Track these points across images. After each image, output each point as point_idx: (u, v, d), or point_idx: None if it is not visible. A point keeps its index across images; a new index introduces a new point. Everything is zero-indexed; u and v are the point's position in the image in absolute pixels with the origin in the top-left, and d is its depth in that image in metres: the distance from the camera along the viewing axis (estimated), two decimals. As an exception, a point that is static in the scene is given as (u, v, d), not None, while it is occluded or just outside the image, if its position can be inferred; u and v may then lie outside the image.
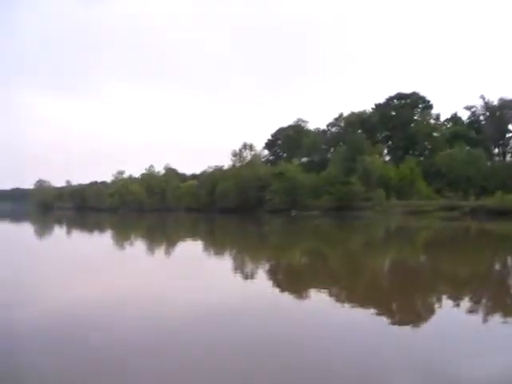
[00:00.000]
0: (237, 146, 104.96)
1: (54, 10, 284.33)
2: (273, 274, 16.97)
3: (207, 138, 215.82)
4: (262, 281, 14.63)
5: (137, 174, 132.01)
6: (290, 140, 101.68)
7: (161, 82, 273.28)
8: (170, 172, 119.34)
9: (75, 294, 12.45)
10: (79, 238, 38.39)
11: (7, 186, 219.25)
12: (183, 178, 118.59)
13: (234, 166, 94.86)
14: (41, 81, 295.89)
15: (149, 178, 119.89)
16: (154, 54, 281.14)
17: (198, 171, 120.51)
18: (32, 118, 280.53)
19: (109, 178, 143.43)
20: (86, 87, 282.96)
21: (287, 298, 12.17)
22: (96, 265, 18.89)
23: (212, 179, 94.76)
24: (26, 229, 53.88)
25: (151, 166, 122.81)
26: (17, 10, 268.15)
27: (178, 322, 9.49)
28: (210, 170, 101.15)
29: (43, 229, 52.83)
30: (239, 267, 18.60)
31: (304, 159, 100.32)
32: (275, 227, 49.72)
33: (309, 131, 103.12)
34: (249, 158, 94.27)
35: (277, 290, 13.34)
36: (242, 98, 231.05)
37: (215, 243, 31.17)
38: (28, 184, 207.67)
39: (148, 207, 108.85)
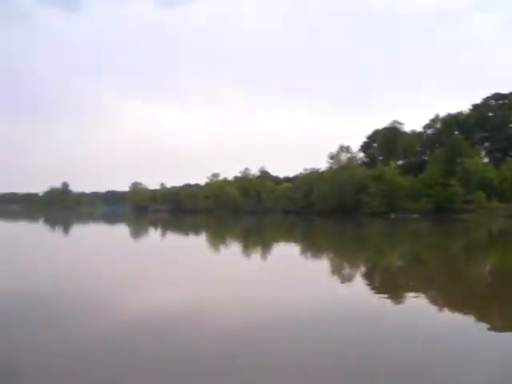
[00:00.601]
0: (327, 149, 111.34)
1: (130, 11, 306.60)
2: (371, 277, 17.39)
3: (299, 140, 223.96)
4: (358, 284, 15.02)
5: (230, 176, 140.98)
6: (386, 142, 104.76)
7: (254, 85, 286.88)
8: (265, 174, 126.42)
9: (179, 294, 12.81)
10: (176, 239, 40.44)
11: (102, 188, 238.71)
12: (276, 180, 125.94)
13: (330, 168, 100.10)
14: (130, 83, 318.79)
15: (244, 180, 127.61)
16: (244, 57, 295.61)
17: (289, 174, 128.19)
18: (123, 120, 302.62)
19: (201, 180, 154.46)
20: (175, 89, 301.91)
21: (383, 301, 12.01)
22: (192, 267, 19.26)
23: (308, 182, 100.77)
24: (122, 230, 58.43)
25: (246, 169, 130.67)
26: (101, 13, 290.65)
27: (275, 325, 9.52)
28: (306, 172, 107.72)
29: (139, 230, 56.56)
30: (337, 270, 19.37)
31: (400, 162, 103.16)
32: (374, 230, 50.98)
33: (404, 133, 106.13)
34: (346, 160, 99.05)
35: (374, 293, 13.27)
36: (336, 101, 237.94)
37: (314, 246, 32.18)
38: (121, 187, 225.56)
39: (243, 209, 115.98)
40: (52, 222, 79.68)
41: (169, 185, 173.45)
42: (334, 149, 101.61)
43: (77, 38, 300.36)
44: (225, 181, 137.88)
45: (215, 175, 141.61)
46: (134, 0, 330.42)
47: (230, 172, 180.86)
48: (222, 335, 8.55)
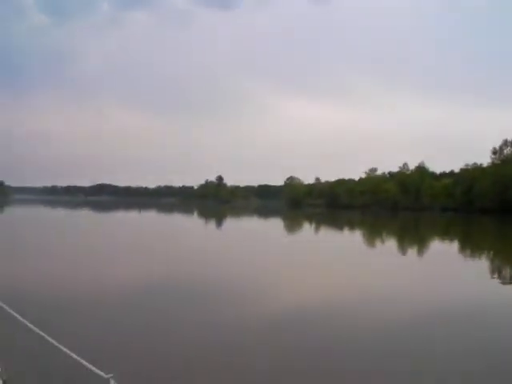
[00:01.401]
0: (483, 144, 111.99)
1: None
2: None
3: (457, 135, 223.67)
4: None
5: (386, 171, 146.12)
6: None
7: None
8: (423, 170, 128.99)
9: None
10: (331, 236, 45.41)
11: (255, 182, 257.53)
12: (434, 176, 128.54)
13: (493, 163, 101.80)
14: (284, 81, 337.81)
15: (403, 176, 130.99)
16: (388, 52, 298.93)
17: (445, 169, 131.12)
18: (277, 116, 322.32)
19: (353, 175, 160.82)
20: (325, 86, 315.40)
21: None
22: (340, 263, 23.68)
23: (469, 178, 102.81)
24: (278, 224, 66.64)
25: (405, 164, 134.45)
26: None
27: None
28: (467, 167, 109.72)
29: (294, 225, 63.51)
30: (495, 272, 21.29)
31: None
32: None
33: None
34: (510, 155, 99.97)
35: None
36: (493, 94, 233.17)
37: (472, 247, 34.88)
38: (273, 181, 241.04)
39: (401, 206, 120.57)
40: (206, 215, 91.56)
41: (323, 179, 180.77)
42: (495, 144, 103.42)
43: (230, 36, 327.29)
44: (383, 176, 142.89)
45: (372, 170, 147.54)
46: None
47: (383, 167, 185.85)
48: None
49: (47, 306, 12.05)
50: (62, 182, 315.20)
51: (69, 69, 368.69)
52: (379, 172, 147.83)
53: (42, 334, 4.20)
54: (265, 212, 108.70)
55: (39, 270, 18.89)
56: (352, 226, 63.44)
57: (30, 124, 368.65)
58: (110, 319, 11.49)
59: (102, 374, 3.21)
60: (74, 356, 3.71)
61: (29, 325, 4.18)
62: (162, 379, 7.90)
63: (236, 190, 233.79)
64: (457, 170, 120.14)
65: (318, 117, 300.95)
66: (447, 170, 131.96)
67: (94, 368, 3.38)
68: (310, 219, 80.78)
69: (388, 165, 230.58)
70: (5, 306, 4.37)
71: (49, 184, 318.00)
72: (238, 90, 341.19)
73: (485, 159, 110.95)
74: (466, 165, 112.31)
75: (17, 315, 4.31)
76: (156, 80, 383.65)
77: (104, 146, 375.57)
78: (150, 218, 77.87)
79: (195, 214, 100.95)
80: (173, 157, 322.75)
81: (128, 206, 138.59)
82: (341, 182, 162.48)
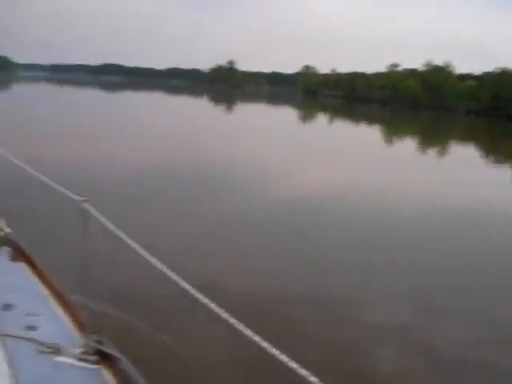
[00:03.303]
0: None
1: None
2: None
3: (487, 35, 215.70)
4: None
5: (408, 66, 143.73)
6: None
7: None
8: (447, 69, 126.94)
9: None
10: (346, 129, 46.83)
11: (267, 69, 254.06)
12: (460, 77, 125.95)
13: None
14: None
15: (426, 73, 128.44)
16: None
17: (474, 71, 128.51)
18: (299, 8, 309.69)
19: (370, 69, 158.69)
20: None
21: None
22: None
23: (498, 82, 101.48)
24: (290, 113, 67.67)
25: (429, 61, 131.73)
26: None
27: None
28: (497, 71, 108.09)
29: (308, 116, 64.57)
30: None
31: None
32: None
33: None
34: None
35: None
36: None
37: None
38: (286, 69, 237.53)
39: (422, 104, 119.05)
40: (216, 99, 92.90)
41: (339, 70, 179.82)
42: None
43: None
44: (405, 72, 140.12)
45: (393, 66, 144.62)
46: None
47: (407, 63, 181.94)
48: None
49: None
50: (69, 61, 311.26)
51: None
52: (400, 68, 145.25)
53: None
54: (277, 100, 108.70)
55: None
56: (375, 121, 63.55)
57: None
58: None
59: (76, 197, 3.21)
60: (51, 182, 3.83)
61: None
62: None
63: (247, 76, 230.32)
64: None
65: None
66: (474, 72, 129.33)
67: (66, 191, 3.46)
68: (325, 110, 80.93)
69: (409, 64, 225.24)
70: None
71: (55, 62, 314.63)
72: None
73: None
74: (496, 68, 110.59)
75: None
76: None
77: (110, 25, 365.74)
78: (162, 100, 78.37)
79: (205, 97, 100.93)
80: (183, 38, 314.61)
81: (137, 86, 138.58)
82: (359, 75, 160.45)
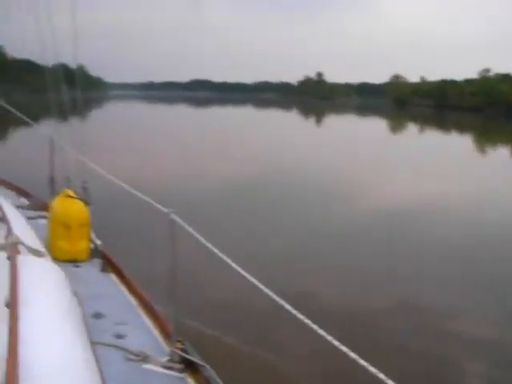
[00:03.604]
0: None
1: None
2: None
3: None
4: None
5: (501, 71, 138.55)
6: None
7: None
8: None
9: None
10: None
11: (355, 80, 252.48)
12: None
13: None
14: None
15: None
16: None
17: None
18: (378, 11, 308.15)
19: (459, 75, 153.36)
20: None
21: None
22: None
23: None
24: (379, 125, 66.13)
25: None
26: None
27: None
28: None
29: (398, 126, 64.03)
30: None
31: None
32: None
33: None
34: None
35: None
36: None
37: None
38: (374, 79, 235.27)
39: None
40: (305, 112, 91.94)
41: (428, 78, 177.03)
42: None
43: None
44: (497, 77, 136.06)
45: (486, 70, 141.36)
46: None
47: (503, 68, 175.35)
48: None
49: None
50: (159, 78, 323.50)
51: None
52: (492, 73, 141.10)
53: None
54: (367, 111, 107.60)
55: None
56: (466, 130, 62.09)
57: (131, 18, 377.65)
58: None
59: (162, 208, 3.39)
60: (139, 194, 3.99)
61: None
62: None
63: (336, 87, 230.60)
64: None
65: (424, 9, 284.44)
66: None
67: (156, 204, 3.60)
68: (415, 120, 79.68)
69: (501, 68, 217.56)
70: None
71: (146, 80, 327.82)
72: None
73: None
74: None
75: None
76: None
77: (201, 42, 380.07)
78: (251, 115, 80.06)
79: (294, 110, 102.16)
80: (271, 53, 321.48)
81: (225, 101, 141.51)
82: (449, 82, 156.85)
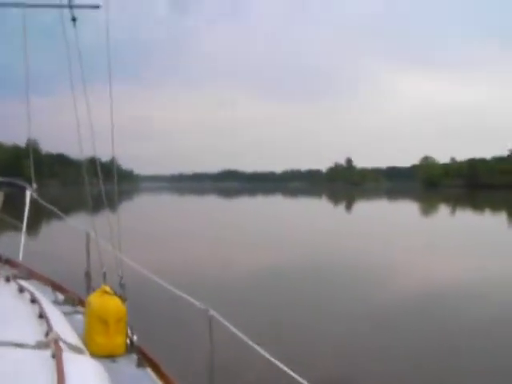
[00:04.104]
0: None
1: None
2: None
3: None
4: None
5: None
6: None
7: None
8: None
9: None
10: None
11: (383, 164, 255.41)
12: None
13: None
14: (400, 57, 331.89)
15: None
16: None
17: None
18: (401, 96, 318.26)
19: (492, 153, 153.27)
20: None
21: None
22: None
23: None
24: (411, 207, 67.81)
25: None
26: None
27: None
28: None
29: (428, 208, 64.55)
30: None
31: None
32: None
33: None
34: None
35: None
36: None
37: None
38: (401, 162, 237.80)
39: None
40: (335, 199, 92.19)
41: (457, 158, 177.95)
42: None
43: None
44: None
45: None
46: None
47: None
48: None
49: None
50: (189, 169, 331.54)
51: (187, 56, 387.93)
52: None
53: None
54: (394, 194, 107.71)
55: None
56: (499, 209, 61.73)
57: (159, 114, 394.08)
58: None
59: (198, 304, 3.44)
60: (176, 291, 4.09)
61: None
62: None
63: (365, 172, 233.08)
64: None
65: (444, 94, 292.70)
66: None
67: (192, 299, 3.63)
68: (447, 201, 79.29)
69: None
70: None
71: (176, 172, 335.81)
72: (360, 68, 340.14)
73: None
74: None
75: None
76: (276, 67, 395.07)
77: (229, 133, 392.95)
78: (278, 204, 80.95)
79: (324, 197, 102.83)
80: (298, 141, 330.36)
81: (254, 191, 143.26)
82: (479, 161, 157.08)
